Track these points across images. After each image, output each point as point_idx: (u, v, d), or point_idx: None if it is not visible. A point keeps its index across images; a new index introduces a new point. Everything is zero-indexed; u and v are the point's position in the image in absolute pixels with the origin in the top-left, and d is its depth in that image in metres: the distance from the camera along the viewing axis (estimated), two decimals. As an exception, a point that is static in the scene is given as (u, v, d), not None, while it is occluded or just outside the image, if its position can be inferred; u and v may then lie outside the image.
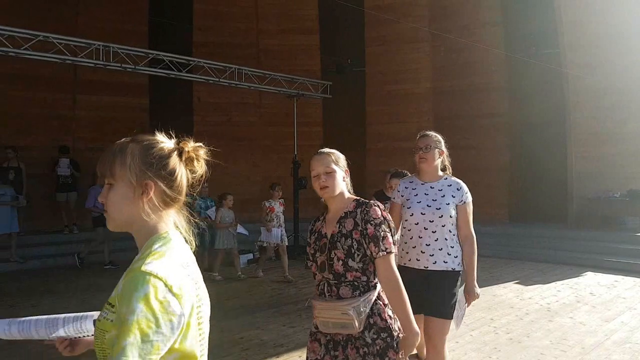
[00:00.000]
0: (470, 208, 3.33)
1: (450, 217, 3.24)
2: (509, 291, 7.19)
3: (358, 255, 2.17)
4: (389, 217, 2.25)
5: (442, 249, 3.24)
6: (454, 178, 3.40)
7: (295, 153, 11.46)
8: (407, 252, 3.35)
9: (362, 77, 13.36)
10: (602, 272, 8.34)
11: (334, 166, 2.33)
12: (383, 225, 2.19)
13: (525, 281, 7.81)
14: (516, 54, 11.20)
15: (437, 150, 3.35)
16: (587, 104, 10.60)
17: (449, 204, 3.26)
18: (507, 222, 11.58)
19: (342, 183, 2.34)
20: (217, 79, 10.09)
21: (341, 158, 2.44)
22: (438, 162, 3.37)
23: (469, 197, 3.34)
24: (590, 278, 8.02)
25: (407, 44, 12.77)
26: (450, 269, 3.26)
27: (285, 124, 12.62)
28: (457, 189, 3.32)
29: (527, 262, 9.22)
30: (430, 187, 3.36)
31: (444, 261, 3.24)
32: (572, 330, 5.36)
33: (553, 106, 11.29)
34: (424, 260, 3.28)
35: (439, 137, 3.42)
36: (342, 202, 2.31)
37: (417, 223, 3.28)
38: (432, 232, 3.26)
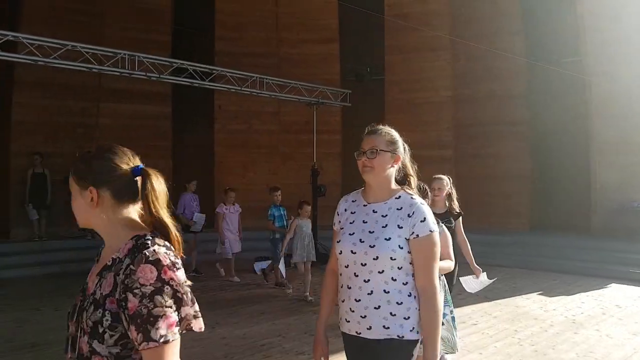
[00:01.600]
0: (433, 245, 2.12)
1: (393, 259, 2.08)
2: (532, 302, 7.10)
3: (111, 336, 1.32)
4: (176, 277, 1.32)
5: (379, 307, 2.09)
6: (412, 196, 2.20)
7: (315, 161, 11.50)
8: (339, 309, 2.27)
9: (381, 85, 13.37)
10: (627, 283, 8.19)
11: None
12: (159, 296, 1.28)
13: (549, 292, 7.71)
14: (537, 61, 11.13)
15: (389, 154, 2.23)
16: (609, 112, 10.47)
17: (389, 238, 2.10)
18: (527, 232, 11.44)
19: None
20: (239, 88, 10.20)
21: None
22: (391, 171, 2.24)
23: (427, 228, 2.10)
24: (615, 290, 7.88)
25: (426, 52, 12.77)
26: (396, 337, 2.09)
27: (305, 132, 12.68)
28: (409, 215, 2.12)
29: (549, 273, 9.09)
30: (373, 210, 2.20)
31: (384, 326, 2.09)
32: (598, 343, 5.28)
33: (574, 114, 11.17)
34: (354, 323, 2.16)
35: (394, 134, 2.32)
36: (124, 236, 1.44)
37: (347, 266, 2.18)
38: (365, 281, 2.12)
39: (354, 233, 2.19)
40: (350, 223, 2.23)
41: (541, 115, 11.87)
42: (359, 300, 2.14)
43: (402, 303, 2.10)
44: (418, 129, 12.82)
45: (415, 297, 2.12)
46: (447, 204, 4.78)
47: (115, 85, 11.37)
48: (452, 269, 3.65)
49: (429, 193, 5.86)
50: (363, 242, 2.14)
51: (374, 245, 2.11)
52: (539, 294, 7.60)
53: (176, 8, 12.82)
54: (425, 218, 2.12)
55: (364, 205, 2.25)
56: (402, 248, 2.09)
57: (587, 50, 10.73)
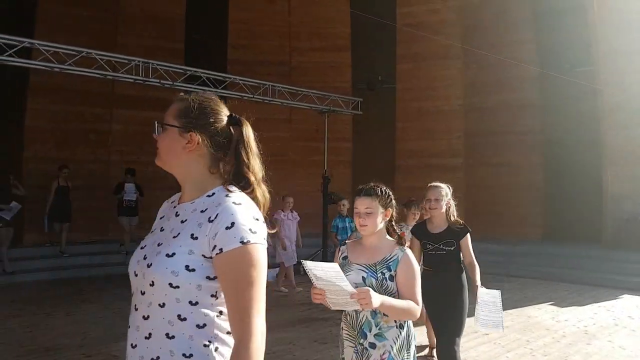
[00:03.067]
0: (247, 265, 1.36)
1: (174, 286, 1.38)
2: (543, 312, 7.05)
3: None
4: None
5: (159, 357, 1.39)
6: (231, 193, 1.48)
7: (325, 168, 11.52)
8: None
9: (392, 93, 13.40)
10: (639, 294, 8.11)
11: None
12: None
13: (560, 303, 7.65)
14: (548, 70, 11.10)
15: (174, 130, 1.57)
16: (620, 121, 10.41)
17: (173, 254, 1.40)
18: (539, 242, 11.36)
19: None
20: (252, 95, 10.26)
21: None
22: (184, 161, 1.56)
23: (236, 238, 1.37)
24: (628, 301, 7.81)
25: (438, 60, 12.78)
26: None
27: (315, 140, 12.70)
28: (210, 219, 1.41)
29: (561, 283, 9.02)
30: (176, 213, 1.54)
31: None
32: (611, 355, 5.23)
33: (586, 123, 11.12)
34: None
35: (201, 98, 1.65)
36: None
37: (133, 294, 1.55)
38: (144, 317, 1.46)
39: (145, 246, 1.53)
40: (151, 232, 1.58)
41: (552, 125, 11.82)
42: (135, 346, 1.45)
43: (191, 356, 1.37)
44: (429, 137, 12.85)
45: (218, 349, 1.39)
46: (447, 220, 3.88)
47: (128, 92, 11.47)
48: (416, 317, 2.40)
49: (413, 210, 5.56)
50: (145, 259, 1.46)
51: (151, 264, 1.42)
52: (551, 304, 7.54)
53: (190, 16, 12.93)
54: (234, 223, 1.36)
55: (173, 206, 1.58)
56: (192, 270, 1.36)
57: (598, 60, 10.69)
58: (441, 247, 3.83)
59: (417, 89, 13.02)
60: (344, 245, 2.72)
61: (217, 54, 13.05)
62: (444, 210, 3.85)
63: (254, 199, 1.52)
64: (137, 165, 11.88)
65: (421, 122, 12.93)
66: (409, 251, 2.51)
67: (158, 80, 8.85)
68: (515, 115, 11.82)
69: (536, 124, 11.80)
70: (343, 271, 2.30)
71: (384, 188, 2.63)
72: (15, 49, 7.50)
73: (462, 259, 3.92)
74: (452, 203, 3.91)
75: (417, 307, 2.39)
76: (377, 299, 2.25)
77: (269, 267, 1.46)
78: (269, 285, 1.92)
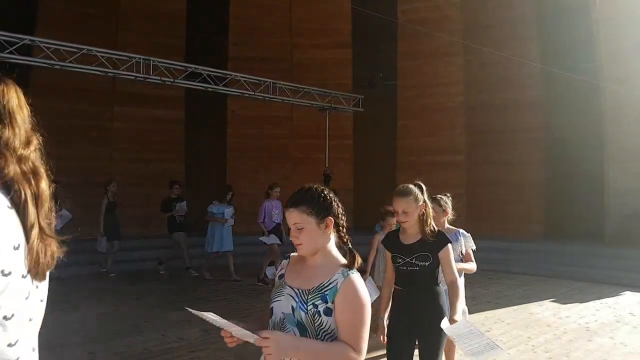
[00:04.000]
0: None
1: None
2: (545, 309, 7.04)
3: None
4: None
5: None
6: None
7: (326, 166, 11.52)
8: None
9: (394, 90, 13.38)
10: (641, 291, 8.12)
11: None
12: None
13: (562, 299, 7.64)
14: (552, 67, 11.07)
15: None
16: (623, 118, 10.39)
17: None
18: (541, 239, 11.35)
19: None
20: (252, 93, 10.26)
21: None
22: None
23: None
24: (629, 297, 7.79)
25: (440, 57, 12.75)
26: None
27: (317, 137, 12.71)
28: None
29: (563, 280, 9.01)
30: None
31: None
32: (613, 351, 5.22)
33: (590, 121, 11.09)
34: None
35: None
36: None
37: None
38: None
39: None
40: None
41: (555, 122, 11.80)
42: None
43: None
44: (430, 135, 12.83)
45: None
46: (422, 228, 3.11)
47: (130, 89, 11.47)
48: None
49: (389, 220, 5.41)
50: None
51: None
52: (552, 301, 7.54)
53: (190, 13, 12.93)
54: None
55: None
56: None
57: (601, 56, 10.66)
58: (414, 261, 3.05)
59: (418, 86, 13.00)
60: (286, 258, 2.01)
61: (218, 51, 13.04)
62: (414, 218, 3.06)
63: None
64: (138, 162, 11.92)
65: (423, 119, 12.91)
66: (355, 276, 1.78)
67: (159, 78, 8.86)
68: (517, 112, 11.79)
69: (538, 121, 11.77)
70: (275, 293, 1.87)
71: (320, 191, 1.88)
72: (16, 46, 7.50)
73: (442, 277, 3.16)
74: (429, 205, 3.10)
75: (353, 357, 1.70)
76: (289, 345, 1.71)
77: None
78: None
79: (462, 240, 4.01)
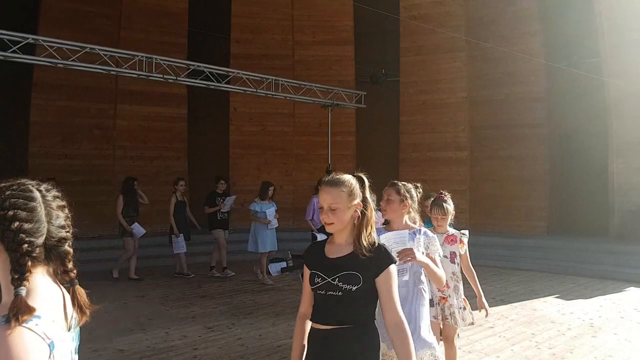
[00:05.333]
0: None
1: None
2: (549, 305, 7.03)
3: None
4: None
5: None
6: None
7: (329, 162, 11.51)
8: None
9: (396, 86, 13.35)
10: (646, 287, 8.09)
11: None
12: None
13: (566, 296, 7.62)
14: (555, 63, 11.02)
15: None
16: (628, 113, 10.34)
17: None
18: (545, 235, 11.32)
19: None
20: (255, 90, 10.25)
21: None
22: None
23: None
24: (634, 293, 7.77)
25: (442, 53, 12.70)
26: None
27: (319, 134, 12.70)
28: None
29: (567, 276, 8.99)
30: None
31: None
32: (617, 347, 5.21)
33: (594, 116, 11.04)
34: None
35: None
36: None
37: None
38: None
39: None
40: None
41: (559, 117, 11.75)
42: None
43: None
44: (434, 131, 12.80)
45: None
46: (354, 237, 2.19)
47: (132, 87, 11.49)
48: None
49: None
50: None
51: None
52: (557, 297, 7.52)
53: (192, 11, 12.91)
54: None
55: None
56: None
57: (605, 51, 10.60)
58: (336, 282, 2.06)
59: (421, 82, 12.96)
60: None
61: (220, 48, 13.03)
62: (345, 219, 2.11)
63: None
64: (140, 160, 11.93)
65: (425, 115, 12.87)
66: None
67: (161, 75, 8.86)
68: (521, 108, 11.74)
69: (542, 116, 11.72)
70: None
71: None
72: (19, 45, 7.51)
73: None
74: (372, 207, 2.18)
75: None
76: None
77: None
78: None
79: (423, 241, 3.01)
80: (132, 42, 10.93)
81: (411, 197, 3.16)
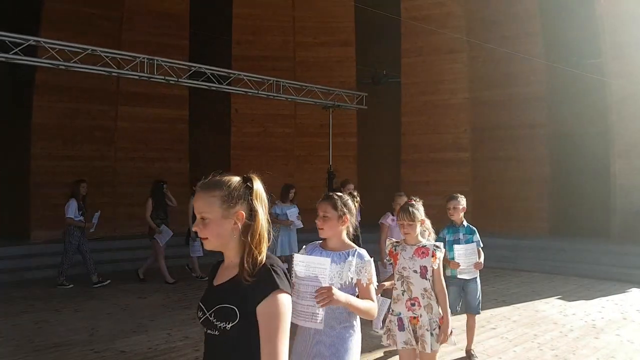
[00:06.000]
0: None
1: None
2: (551, 307, 7.02)
3: None
4: None
5: None
6: None
7: (330, 164, 11.51)
8: None
9: (397, 87, 13.35)
10: (648, 288, 8.07)
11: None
12: None
13: (568, 297, 7.61)
14: (556, 63, 11.02)
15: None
16: (629, 113, 10.34)
17: None
18: (547, 236, 11.32)
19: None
20: (256, 91, 10.26)
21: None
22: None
23: None
24: (636, 294, 7.75)
25: (443, 54, 12.71)
26: None
27: (320, 135, 12.70)
28: None
29: (569, 277, 8.97)
30: None
31: None
32: (620, 348, 5.20)
33: (595, 116, 11.04)
34: None
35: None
36: None
37: None
38: None
39: None
40: None
41: (560, 118, 11.75)
42: None
43: None
44: (435, 132, 12.81)
45: None
46: (245, 259, 1.86)
47: (134, 89, 11.51)
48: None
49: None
50: None
51: None
52: (559, 298, 7.51)
53: (194, 12, 12.93)
54: None
55: None
56: None
57: (606, 52, 10.60)
58: (212, 319, 1.66)
59: (422, 83, 12.97)
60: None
61: (222, 50, 13.05)
62: (222, 233, 1.72)
63: None
64: (142, 161, 11.92)
65: (427, 116, 12.88)
66: None
67: (163, 77, 8.87)
68: (522, 109, 11.74)
69: (543, 117, 11.72)
70: None
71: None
72: (21, 47, 7.53)
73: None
74: (261, 214, 1.71)
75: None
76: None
77: None
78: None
79: (354, 265, 2.53)
80: (133, 44, 10.95)
81: (349, 210, 2.69)
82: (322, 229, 2.65)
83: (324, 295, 2.24)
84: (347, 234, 2.69)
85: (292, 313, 1.90)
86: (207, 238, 1.68)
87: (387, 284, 3.54)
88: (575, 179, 11.48)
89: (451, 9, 12.66)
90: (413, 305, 3.43)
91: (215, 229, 1.66)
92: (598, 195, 10.83)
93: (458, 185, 11.79)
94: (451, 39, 12.06)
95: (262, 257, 1.66)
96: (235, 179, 1.76)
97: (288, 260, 8.90)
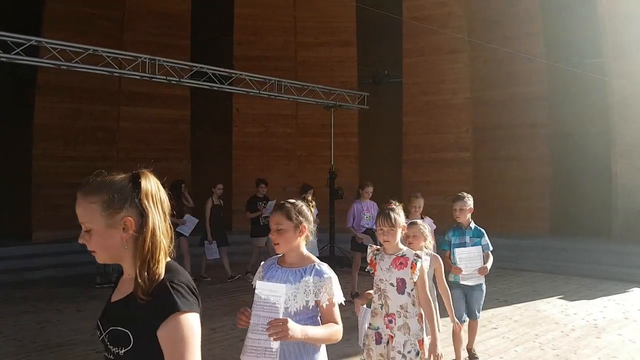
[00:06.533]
0: None
1: None
2: (552, 306, 7.02)
3: None
4: None
5: None
6: None
7: (332, 164, 11.51)
8: None
9: (399, 87, 13.35)
10: (650, 288, 8.07)
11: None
12: None
13: (570, 296, 7.61)
14: (558, 63, 11.01)
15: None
16: (630, 113, 10.33)
17: None
18: (548, 236, 11.31)
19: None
20: (257, 91, 10.26)
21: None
22: None
23: None
24: (638, 294, 7.75)
25: (445, 54, 12.71)
26: None
27: (322, 135, 12.70)
28: None
29: (571, 277, 8.97)
30: None
31: None
32: (622, 348, 5.20)
33: (596, 116, 11.03)
34: None
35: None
36: None
37: None
38: None
39: None
40: None
41: (561, 118, 11.74)
42: None
43: None
44: (436, 132, 12.81)
45: None
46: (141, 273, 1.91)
47: (136, 89, 11.52)
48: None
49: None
50: None
51: None
52: (560, 298, 7.51)
53: (195, 13, 12.95)
54: None
55: None
56: None
57: (607, 52, 10.59)
58: (106, 342, 1.48)
59: (423, 82, 12.97)
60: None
61: (223, 50, 13.06)
62: (109, 244, 1.52)
63: None
64: (143, 162, 11.90)
65: (428, 116, 12.88)
66: None
67: (164, 77, 8.87)
68: (523, 109, 11.74)
69: (545, 117, 11.71)
70: None
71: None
72: (22, 47, 7.53)
73: None
74: (158, 224, 1.48)
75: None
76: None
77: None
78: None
79: (311, 284, 2.21)
80: (134, 44, 10.96)
81: (306, 218, 2.35)
82: (277, 244, 2.31)
83: (277, 329, 1.93)
84: (307, 244, 2.38)
85: (243, 348, 2.02)
86: (93, 251, 1.45)
87: (372, 291, 3.22)
88: (577, 178, 11.47)
89: (452, 9, 12.66)
90: (390, 322, 3.05)
91: (101, 241, 1.41)
92: (599, 195, 10.82)
93: (459, 185, 11.77)
94: (452, 39, 12.06)
95: (160, 270, 1.40)
96: (118, 178, 1.48)
97: None
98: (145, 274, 1.38)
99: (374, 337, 3.09)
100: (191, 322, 1.40)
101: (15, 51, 7.42)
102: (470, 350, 4.92)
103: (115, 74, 8.73)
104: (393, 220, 3.02)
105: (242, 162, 13.29)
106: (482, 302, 4.73)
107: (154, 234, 1.42)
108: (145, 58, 8.68)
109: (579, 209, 11.36)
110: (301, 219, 2.32)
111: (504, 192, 11.64)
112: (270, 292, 2.01)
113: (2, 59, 7.34)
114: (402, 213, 3.12)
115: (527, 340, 5.50)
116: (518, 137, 11.76)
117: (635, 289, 8.01)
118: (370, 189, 7.52)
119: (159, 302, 1.37)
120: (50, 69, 8.54)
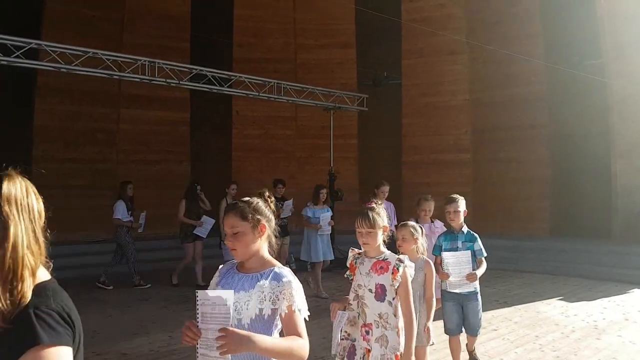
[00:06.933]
0: None
1: None
2: (552, 308, 7.02)
3: None
4: None
5: None
6: None
7: (331, 165, 11.52)
8: None
9: (398, 89, 13.37)
10: (650, 289, 8.06)
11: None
12: None
13: (570, 298, 7.61)
14: (557, 64, 11.02)
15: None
16: (631, 114, 10.33)
17: None
18: (548, 237, 11.31)
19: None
20: (257, 93, 10.27)
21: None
22: None
23: None
24: (638, 295, 7.74)
25: (444, 56, 12.73)
26: None
27: (321, 137, 12.72)
28: None
29: (571, 278, 8.96)
30: None
31: None
32: (622, 349, 5.20)
33: (596, 117, 11.04)
34: None
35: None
36: None
37: None
38: None
39: None
40: None
41: (561, 119, 11.75)
42: None
43: None
44: (435, 133, 12.82)
45: None
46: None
47: (135, 91, 11.53)
48: None
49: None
50: None
51: None
52: (560, 299, 7.50)
53: (195, 15, 12.96)
54: None
55: None
56: None
57: (607, 52, 10.60)
58: None
59: (423, 84, 12.98)
60: None
61: (223, 52, 13.08)
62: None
63: None
64: (143, 164, 11.95)
65: (427, 117, 12.89)
66: None
67: (164, 80, 8.89)
68: (523, 110, 11.74)
69: (544, 118, 11.72)
70: None
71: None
72: (22, 50, 7.54)
73: None
74: (22, 234, 1.27)
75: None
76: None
77: None
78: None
79: (267, 291, 1.94)
80: (134, 46, 10.96)
81: (264, 215, 2.08)
82: (234, 249, 2.02)
83: (223, 340, 1.66)
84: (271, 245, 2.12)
85: None
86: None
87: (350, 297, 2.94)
88: (576, 179, 11.47)
89: (451, 11, 12.68)
90: (367, 333, 2.78)
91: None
92: (599, 196, 10.82)
93: (459, 186, 11.78)
94: (452, 40, 12.07)
95: (25, 291, 1.18)
96: None
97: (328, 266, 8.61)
98: (8, 295, 1.15)
99: (348, 350, 2.85)
100: (54, 358, 1.15)
101: (15, 54, 7.43)
102: (470, 352, 4.91)
103: (115, 77, 8.74)
104: (372, 221, 2.74)
105: (242, 164, 13.30)
106: (480, 315, 4.48)
107: (14, 248, 1.18)
108: (145, 61, 8.70)
109: (579, 209, 11.36)
110: (258, 217, 2.03)
111: (503, 193, 11.64)
112: (216, 300, 1.72)
113: (3, 62, 7.35)
114: (383, 213, 2.84)
115: (528, 341, 5.49)
116: (518, 138, 11.76)
117: (636, 290, 8.00)
118: (386, 188, 7.11)
119: (19, 334, 1.14)
120: (50, 71, 8.55)
